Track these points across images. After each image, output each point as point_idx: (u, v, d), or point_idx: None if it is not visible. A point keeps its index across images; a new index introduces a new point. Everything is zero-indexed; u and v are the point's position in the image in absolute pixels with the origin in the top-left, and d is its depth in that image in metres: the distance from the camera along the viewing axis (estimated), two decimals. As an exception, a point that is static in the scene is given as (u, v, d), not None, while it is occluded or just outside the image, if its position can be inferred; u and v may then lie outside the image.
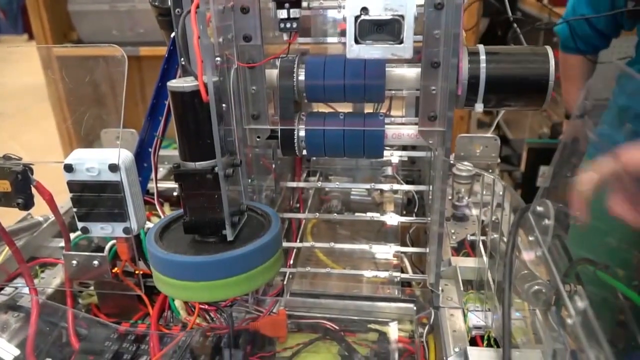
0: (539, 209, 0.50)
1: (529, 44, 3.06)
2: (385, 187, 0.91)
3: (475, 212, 0.95)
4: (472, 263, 0.80)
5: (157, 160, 0.87)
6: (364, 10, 0.49)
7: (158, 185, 0.83)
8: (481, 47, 0.65)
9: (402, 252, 0.86)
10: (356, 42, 0.50)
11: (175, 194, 0.99)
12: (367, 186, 0.93)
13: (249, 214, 0.64)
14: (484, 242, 0.83)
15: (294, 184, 0.93)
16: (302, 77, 0.68)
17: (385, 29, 0.50)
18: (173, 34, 0.79)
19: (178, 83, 0.54)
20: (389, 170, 0.99)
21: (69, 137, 1.82)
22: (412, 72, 0.68)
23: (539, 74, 0.64)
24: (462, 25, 0.59)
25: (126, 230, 0.69)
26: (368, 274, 0.81)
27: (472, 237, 0.87)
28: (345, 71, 0.66)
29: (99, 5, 1.79)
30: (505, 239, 0.77)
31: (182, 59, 0.60)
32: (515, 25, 1.37)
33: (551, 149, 1.90)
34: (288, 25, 0.52)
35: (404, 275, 0.79)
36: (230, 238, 0.58)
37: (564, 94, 1.49)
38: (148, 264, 0.76)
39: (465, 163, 1.03)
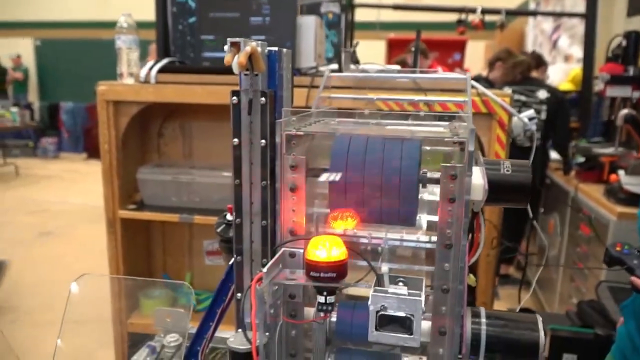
0: None
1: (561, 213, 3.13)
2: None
3: None
4: None
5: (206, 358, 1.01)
6: (383, 307, 0.64)
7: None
8: (482, 310, 0.79)
9: None
10: (376, 329, 0.65)
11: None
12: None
13: None
14: None
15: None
16: (333, 319, 0.83)
17: (399, 323, 0.64)
18: (232, 261, 0.96)
19: (234, 344, 0.69)
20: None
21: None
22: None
23: (531, 342, 0.76)
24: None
25: None
26: None
27: None
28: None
29: (164, 176, 2.05)
30: None
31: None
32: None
33: (575, 338, 1.95)
34: (324, 308, 0.68)
35: None
36: None
37: None
38: None
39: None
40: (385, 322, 0.64)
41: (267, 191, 0.80)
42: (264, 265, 0.82)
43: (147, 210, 2.04)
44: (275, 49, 0.79)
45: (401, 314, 0.64)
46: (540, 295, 3.59)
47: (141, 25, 2.04)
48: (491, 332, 0.76)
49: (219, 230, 1.02)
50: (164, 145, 2.29)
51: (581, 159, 3.23)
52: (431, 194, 0.91)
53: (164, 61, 1.93)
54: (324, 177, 0.73)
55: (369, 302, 0.65)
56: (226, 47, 0.74)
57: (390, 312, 0.64)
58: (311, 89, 1.74)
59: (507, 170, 0.77)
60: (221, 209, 1.99)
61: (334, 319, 0.83)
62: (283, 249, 0.75)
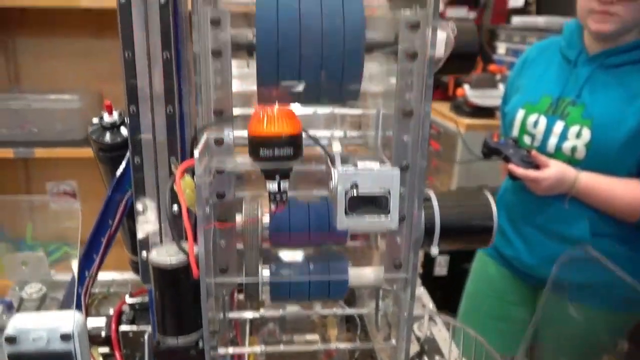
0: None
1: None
2: (328, 312, 0.92)
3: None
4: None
5: (88, 301, 0.82)
6: (355, 186, 0.52)
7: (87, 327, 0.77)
8: (432, 194, 0.71)
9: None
10: (346, 214, 0.52)
11: (103, 334, 0.91)
12: (311, 312, 0.93)
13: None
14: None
15: (235, 315, 0.89)
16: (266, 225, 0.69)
17: (373, 203, 0.53)
18: (119, 172, 0.76)
19: (161, 257, 0.52)
20: (330, 294, 0.99)
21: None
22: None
23: (485, 218, 0.70)
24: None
25: (74, 404, 0.62)
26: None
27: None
28: (310, 222, 0.68)
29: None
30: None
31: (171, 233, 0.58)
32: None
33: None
34: (278, 197, 0.53)
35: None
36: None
37: None
38: None
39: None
40: (356, 204, 0.52)
41: (172, 65, 0.61)
42: (172, 166, 0.64)
43: (-32, 147, 1.64)
44: None
45: (376, 192, 0.52)
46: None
47: None
48: (445, 213, 0.69)
49: (94, 137, 0.80)
50: (-20, 69, 1.84)
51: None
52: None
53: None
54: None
55: (334, 183, 0.52)
56: None
57: (363, 192, 0.52)
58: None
59: (454, 32, 0.68)
60: (67, 140, 1.67)
61: (266, 224, 0.69)
62: (206, 135, 0.58)
